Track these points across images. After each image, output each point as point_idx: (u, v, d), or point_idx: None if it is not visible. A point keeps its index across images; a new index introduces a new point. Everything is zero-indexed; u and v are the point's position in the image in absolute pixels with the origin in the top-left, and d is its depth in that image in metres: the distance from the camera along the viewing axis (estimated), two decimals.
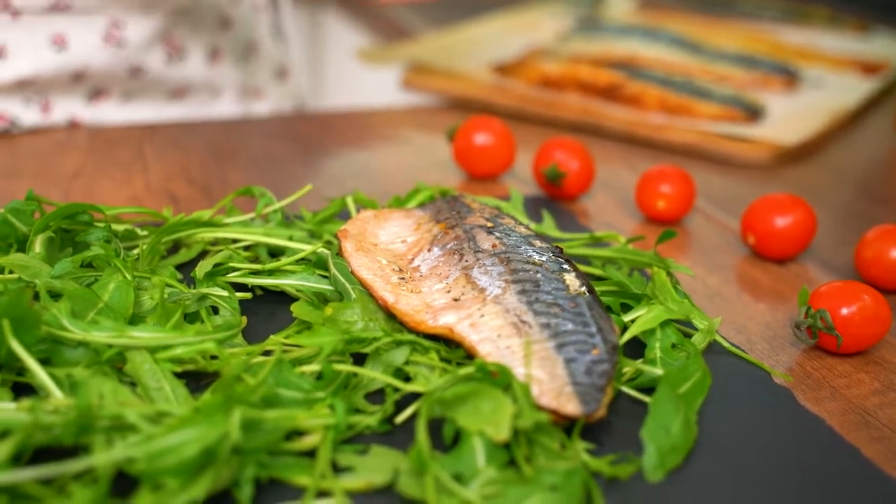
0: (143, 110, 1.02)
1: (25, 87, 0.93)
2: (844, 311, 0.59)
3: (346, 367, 0.50)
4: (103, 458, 0.40)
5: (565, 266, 0.57)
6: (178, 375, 0.49)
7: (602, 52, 1.19)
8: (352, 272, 0.58)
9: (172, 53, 1.01)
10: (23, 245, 0.58)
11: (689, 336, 0.58)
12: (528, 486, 0.43)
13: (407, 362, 0.52)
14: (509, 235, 0.61)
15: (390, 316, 0.55)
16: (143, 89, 1.01)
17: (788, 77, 1.14)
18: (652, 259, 0.63)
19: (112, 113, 0.99)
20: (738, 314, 0.65)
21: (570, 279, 0.56)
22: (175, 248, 0.65)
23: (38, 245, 0.57)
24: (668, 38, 1.26)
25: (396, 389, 0.50)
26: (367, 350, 0.52)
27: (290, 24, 1.35)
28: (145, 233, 0.64)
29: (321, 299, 0.58)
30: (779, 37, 1.35)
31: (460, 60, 1.16)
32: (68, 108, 0.96)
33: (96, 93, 0.97)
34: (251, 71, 1.13)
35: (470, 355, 0.52)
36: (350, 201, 0.70)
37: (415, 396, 0.50)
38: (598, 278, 0.64)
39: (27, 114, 0.94)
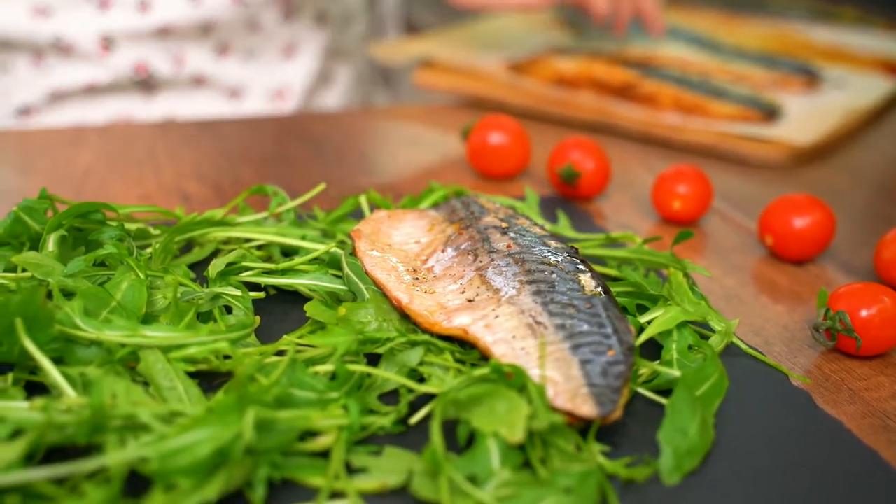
0: (260, 67, 1.13)
1: (166, 36, 1.06)
2: (864, 312, 0.58)
3: (360, 368, 0.49)
4: (116, 457, 0.40)
5: (581, 267, 0.57)
6: (191, 375, 0.49)
7: (619, 50, 1.19)
8: (365, 272, 0.58)
9: (287, 13, 1.12)
10: (36, 243, 0.58)
11: (706, 338, 0.57)
12: (543, 488, 0.43)
13: (421, 363, 0.52)
14: (524, 236, 0.60)
15: (404, 316, 0.55)
16: (260, 44, 1.12)
17: (809, 77, 1.13)
18: (668, 260, 0.63)
19: (234, 70, 1.11)
20: (756, 316, 0.65)
21: (586, 280, 0.55)
22: (188, 247, 0.65)
23: (51, 243, 0.57)
24: (687, 37, 1.25)
25: (410, 390, 0.50)
26: (380, 350, 0.52)
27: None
28: (158, 231, 0.64)
29: (334, 299, 0.58)
30: (807, 35, 1.33)
31: (476, 56, 1.15)
32: (197, 63, 1.08)
33: (222, 49, 1.09)
34: (341, 35, 1.25)
35: (484, 356, 0.52)
36: (363, 201, 0.69)
37: (429, 397, 0.50)
38: (614, 279, 0.63)
39: (164, 65, 1.07)
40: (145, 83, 1.08)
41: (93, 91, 1.07)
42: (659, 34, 1.14)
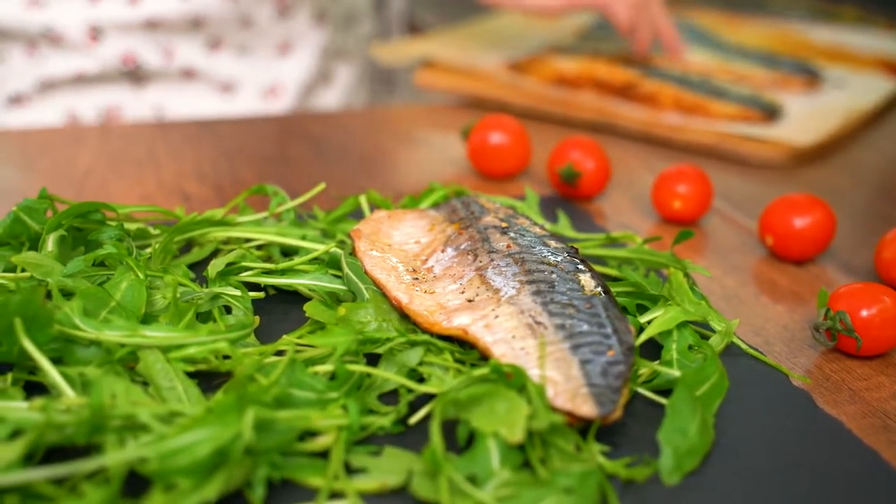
0: (253, 63, 1.13)
1: (155, 29, 1.06)
2: (864, 312, 0.58)
3: (360, 368, 0.49)
4: (115, 457, 0.40)
5: (580, 266, 0.57)
6: (191, 375, 0.49)
7: (620, 49, 1.19)
8: (365, 272, 0.58)
9: (281, 10, 1.12)
10: (35, 243, 0.58)
11: (706, 338, 0.57)
12: (543, 488, 0.43)
13: (421, 363, 0.52)
14: (524, 236, 0.60)
15: (404, 316, 0.55)
16: (253, 40, 1.12)
17: (809, 77, 1.13)
18: (668, 260, 0.62)
19: (226, 65, 1.11)
20: (756, 316, 0.65)
21: (586, 280, 0.55)
22: (187, 247, 0.65)
23: (50, 243, 0.57)
24: (689, 37, 1.25)
25: (410, 390, 0.50)
26: (380, 350, 0.52)
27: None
28: (158, 231, 0.64)
29: (334, 299, 0.58)
30: (807, 35, 1.33)
31: (477, 56, 1.15)
32: (188, 56, 1.09)
33: (214, 43, 1.09)
34: (344, 35, 1.25)
35: (484, 356, 0.52)
36: (363, 200, 0.69)
37: (428, 397, 0.50)
38: (614, 279, 0.63)
39: (152, 57, 1.07)
40: (133, 74, 1.09)
41: (81, 81, 1.08)
42: (677, 55, 1.14)
